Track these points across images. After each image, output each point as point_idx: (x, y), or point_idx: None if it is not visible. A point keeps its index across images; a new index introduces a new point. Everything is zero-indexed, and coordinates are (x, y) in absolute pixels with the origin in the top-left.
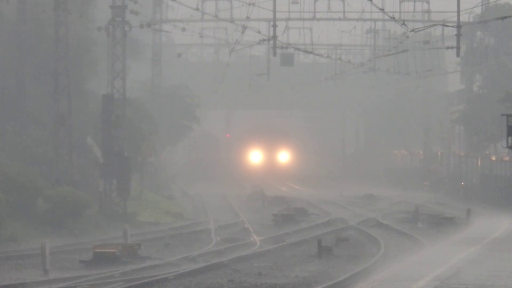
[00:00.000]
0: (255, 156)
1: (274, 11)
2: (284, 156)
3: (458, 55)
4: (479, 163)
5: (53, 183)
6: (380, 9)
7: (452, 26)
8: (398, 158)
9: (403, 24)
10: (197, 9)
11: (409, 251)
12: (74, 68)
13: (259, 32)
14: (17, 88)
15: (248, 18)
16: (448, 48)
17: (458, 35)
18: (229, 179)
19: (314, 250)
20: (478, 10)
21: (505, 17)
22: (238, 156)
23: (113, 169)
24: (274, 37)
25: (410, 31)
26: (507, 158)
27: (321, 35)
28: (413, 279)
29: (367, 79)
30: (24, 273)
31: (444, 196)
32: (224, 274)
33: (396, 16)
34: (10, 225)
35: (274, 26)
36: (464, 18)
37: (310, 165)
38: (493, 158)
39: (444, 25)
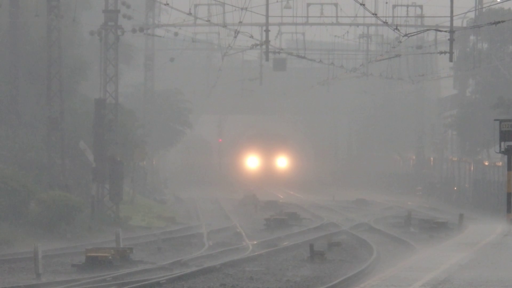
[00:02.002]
0: (251, 161)
1: (267, 16)
2: (282, 161)
3: (451, 60)
4: (471, 168)
5: (46, 187)
6: (373, 14)
7: (445, 31)
8: (395, 163)
9: (396, 29)
10: (189, 13)
11: (401, 256)
12: (66, 72)
13: (251, 36)
14: (10, 92)
15: (240, 22)
16: (441, 53)
17: (451, 40)
18: (222, 183)
19: (306, 254)
20: (471, 15)
21: (498, 22)
22: (232, 160)
23: (106, 173)
24: (267, 41)
25: (403, 36)
26: (499, 163)
27: (313, 40)
28: (405, 284)
29: (360, 84)
30: (16, 277)
31: (437, 201)
32: (216, 279)
33: (389, 21)
34: (2, 228)
35: (267, 30)
36: (457, 23)
37: (302, 170)
38: (486, 163)
39: (437, 30)
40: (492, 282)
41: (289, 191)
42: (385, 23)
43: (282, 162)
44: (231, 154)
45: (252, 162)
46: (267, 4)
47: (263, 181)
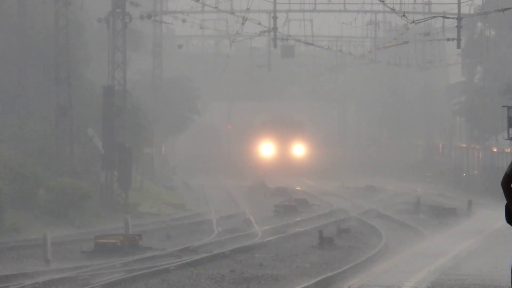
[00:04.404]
0: (265, 148)
1: (275, 3)
2: (298, 149)
3: (458, 47)
4: (480, 155)
5: (55, 174)
6: (380, 0)
7: (453, 18)
8: (404, 150)
9: (404, 15)
10: (197, 0)
11: (410, 242)
12: (74, 59)
13: (259, 23)
14: (18, 79)
15: (248, 9)
16: (448, 40)
17: (459, 27)
18: (232, 171)
19: (316, 241)
20: (479, 2)
21: (506, 9)
22: (244, 147)
23: (114, 160)
24: (275, 28)
25: (411, 23)
26: (508, 150)
27: (321, 26)
28: (414, 270)
29: (367, 71)
30: (26, 263)
31: (446, 187)
32: (225, 265)
33: (397, 7)
34: (12, 215)
35: (275, 17)
36: (464, 9)
37: (321, 158)
38: (494, 150)
39: (444, 17)
40: (501, 269)
41: (299, 178)
42: (393, 10)
43: (299, 149)
44: (242, 141)
45: (266, 149)
46: None
47: (279, 169)
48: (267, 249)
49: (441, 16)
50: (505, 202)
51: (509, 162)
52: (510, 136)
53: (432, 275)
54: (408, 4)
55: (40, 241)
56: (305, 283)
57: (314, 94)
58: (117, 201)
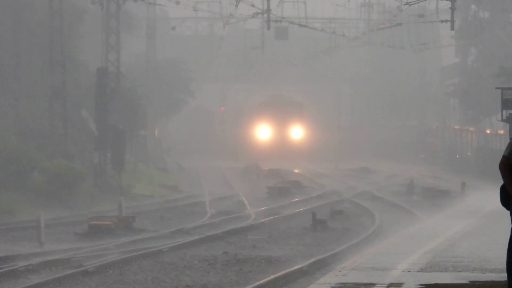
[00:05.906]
0: (261, 131)
1: None
2: (297, 132)
3: (452, 28)
4: (474, 137)
5: (48, 155)
6: None
7: (447, 0)
8: (398, 131)
9: None
10: None
11: (403, 224)
12: (68, 41)
13: (253, 5)
14: (12, 61)
15: None
16: (442, 21)
17: (453, 9)
18: (226, 153)
19: (309, 222)
20: None
21: None
22: (238, 130)
23: (108, 142)
24: (268, 10)
25: (405, 5)
26: (502, 132)
27: (315, 8)
28: (407, 252)
29: (361, 53)
30: (19, 245)
31: (439, 169)
32: (219, 247)
33: None
34: (5, 197)
35: None
36: None
37: (321, 141)
38: (488, 132)
39: None
40: (495, 250)
41: (295, 160)
42: None
43: (297, 132)
44: (236, 123)
45: (263, 131)
46: None
47: (275, 152)
48: (261, 230)
49: None
50: (499, 184)
51: (504, 144)
52: (503, 118)
53: (425, 256)
54: None
55: (33, 223)
56: (298, 265)
57: (308, 76)
58: (111, 183)
